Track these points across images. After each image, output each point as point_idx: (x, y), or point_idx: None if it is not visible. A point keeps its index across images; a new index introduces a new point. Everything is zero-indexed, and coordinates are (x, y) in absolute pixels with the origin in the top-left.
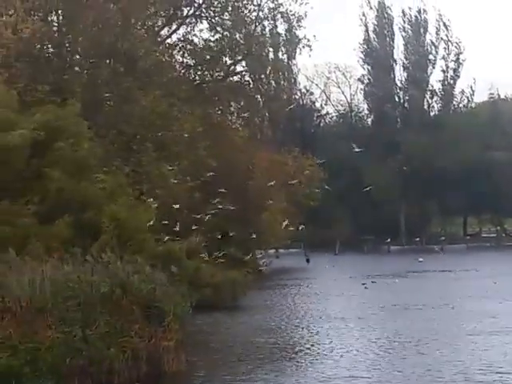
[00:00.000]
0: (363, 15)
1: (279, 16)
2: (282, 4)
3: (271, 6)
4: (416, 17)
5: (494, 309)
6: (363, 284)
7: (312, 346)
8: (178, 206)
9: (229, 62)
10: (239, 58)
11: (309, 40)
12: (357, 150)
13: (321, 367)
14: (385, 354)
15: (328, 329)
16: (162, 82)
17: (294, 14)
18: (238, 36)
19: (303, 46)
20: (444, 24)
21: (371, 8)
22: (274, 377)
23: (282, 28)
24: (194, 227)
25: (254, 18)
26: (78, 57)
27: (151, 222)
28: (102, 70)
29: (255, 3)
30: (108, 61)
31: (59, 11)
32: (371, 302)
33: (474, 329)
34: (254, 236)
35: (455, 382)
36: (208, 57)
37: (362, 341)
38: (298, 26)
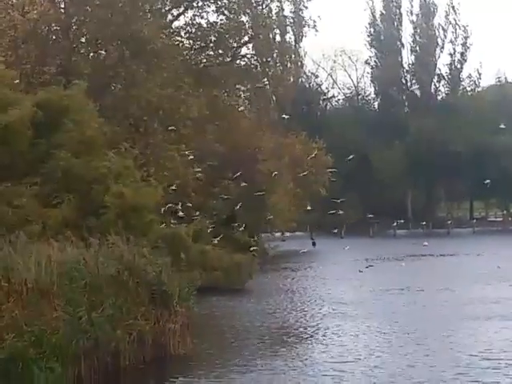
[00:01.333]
0: None
1: None
2: None
3: None
4: (425, 0)
5: (493, 294)
6: (367, 267)
7: (314, 330)
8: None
9: (235, 44)
10: (246, 40)
11: (315, 21)
12: (502, 126)
13: (321, 351)
14: (383, 339)
15: (330, 312)
16: (170, 64)
17: None
18: (244, 18)
19: (309, 26)
20: (453, 7)
21: None
22: (275, 360)
23: (288, 10)
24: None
25: (260, 0)
26: (84, 39)
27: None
28: (109, 52)
29: None
30: (115, 43)
31: None
32: (372, 285)
33: (470, 314)
34: (270, 216)
35: (448, 365)
36: (214, 39)
37: (362, 325)
38: (305, 7)
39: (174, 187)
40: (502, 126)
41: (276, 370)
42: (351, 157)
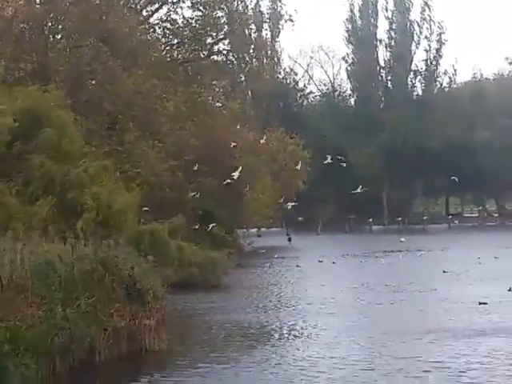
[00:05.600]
0: None
1: None
2: None
3: None
4: None
5: (460, 293)
6: (332, 262)
7: (289, 326)
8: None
9: (211, 40)
10: (221, 36)
11: (291, 15)
12: None
13: (296, 347)
14: (353, 335)
15: (304, 309)
16: (146, 61)
17: None
18: (220, 14)
19: (285, 20)
20: (427, 3)
21: None
22: (250, 356)
23: (264, 5)
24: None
25: None
26: (60, 36)
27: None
28: (84, 49)
29: None
30: (91, 40)
31: None
32: (343, 282)
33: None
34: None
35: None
36: (190, 35)
37: (334, 322)
38: (280, 2)
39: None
40: None
41: (251, 365)
42: (329, 159)
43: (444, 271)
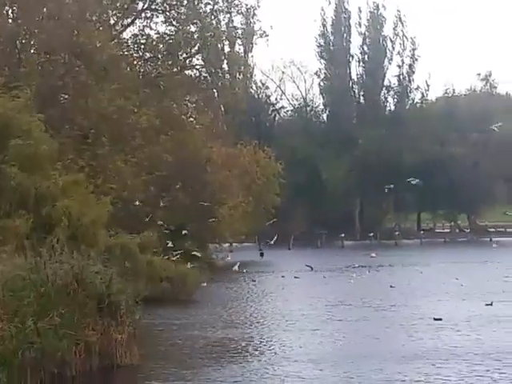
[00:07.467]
0: (322, 9)
1: (234, 9)
2: None
3: None
4: (374, 12)
5: (418, 309)
6: (294, 277)
7: (259, 342)
8: (137, 202)
9: (184, 55)
10: (194, 51)
11: (265, 31)
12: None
13: (264, 362)
14: (308, 352)
15: (273, 325)
16: (118, 75)
17: (248, 7)
18: (193, 29)
19: (260, 36)
20: (400, 19)
21: (330, 3)
22: (220, 372)
23: (238, 21)
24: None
25: (209, 10)
26: (33, 49)
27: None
28: (57, 63)
29: None
30: (64, 54)
31: (14, 3)
32: (302, 297)
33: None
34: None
35: None
36: (163, 50)
37: (303, 339)
38: (254, 18)
39: None
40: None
41: (221, 381)
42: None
43: (391, 286)
